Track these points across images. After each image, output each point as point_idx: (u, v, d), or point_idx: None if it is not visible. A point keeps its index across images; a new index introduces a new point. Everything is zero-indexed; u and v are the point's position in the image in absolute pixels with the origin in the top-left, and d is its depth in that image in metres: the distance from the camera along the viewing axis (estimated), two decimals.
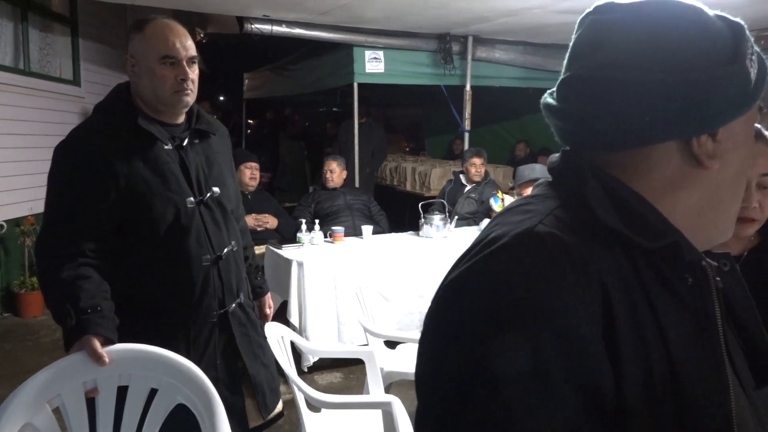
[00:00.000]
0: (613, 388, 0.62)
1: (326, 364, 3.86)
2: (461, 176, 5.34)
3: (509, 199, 4.83)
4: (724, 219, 0.76)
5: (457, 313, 0.66)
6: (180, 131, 1.80)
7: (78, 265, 1.62)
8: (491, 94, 6.81)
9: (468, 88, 6.02)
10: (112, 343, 1.57)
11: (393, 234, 4.76)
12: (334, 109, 11.43)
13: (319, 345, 3.58)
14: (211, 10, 5.38)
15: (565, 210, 0.71)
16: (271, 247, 4.10)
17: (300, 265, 3.74)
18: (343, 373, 3.88)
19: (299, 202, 4.95)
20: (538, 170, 4.47)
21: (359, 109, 5.85)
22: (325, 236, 4.25)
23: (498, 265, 0.65)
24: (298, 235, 4.15)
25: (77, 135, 1.70)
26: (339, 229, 4.29)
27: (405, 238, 4.57)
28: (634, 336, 0.64)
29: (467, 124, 6.17)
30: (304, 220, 4.25)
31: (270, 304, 2.28)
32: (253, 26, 5.09)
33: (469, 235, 4.60)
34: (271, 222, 4.45)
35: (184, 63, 1.71)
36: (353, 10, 4.74)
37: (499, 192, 4.99)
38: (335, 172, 4.79)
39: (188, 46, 1.73)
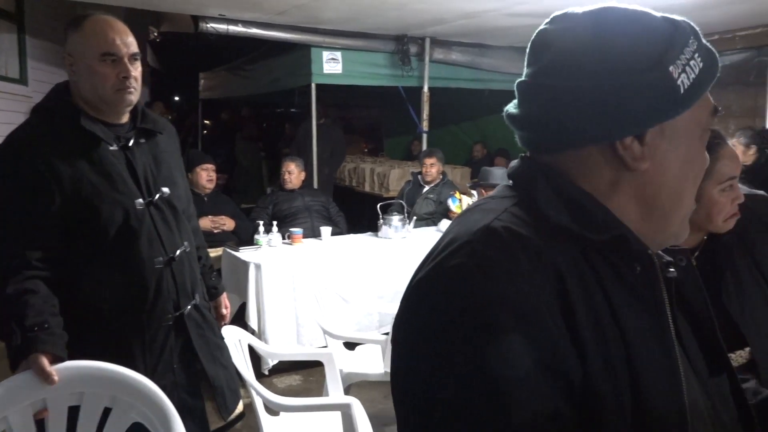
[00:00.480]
0: (580, 372, 0.65)
1: (285, 367, 3.83)
2: (419, 177, 5.37)
3: (467, 200, 4.88)
4: (672, 221, 0.78)
5: (426, 314, 0.69)
6: (125, 131, 1.76)
7: (24, 278, 1.55)
8: (449, 95, 6.87)
9: (425, 89, 6.06)
10: (62, 360, 1.51)
11: (352, 235, 4.75)
12: (291, 109, 11.35)
13: (278, 348, 3.55)
14: (166, 8, 5.27)
15: (519, 207, 0.75)
16: (229, 250, 4.04)
17: (258, 267, 3.70)
18: (303, 375, 3.85)
19: (257, 203, 4.90)
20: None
21: (317, 109, 5.82)
22: (284, 238, 4.22)
23: (458, 261, 0.69)
24: (256, 237, 4.11)
25: (15, 139, 1.63)
26: (297, 230, 4.26)
27: (364, 239, 4.57)
28: (591, 321, 0.67)
29: (425, 125, 6.21)
30: (261, 222, 4.21)
31: (226, 305, 2.25)
32: (208, 25, 5.01)
33: (428, 235, 4.63)
34: (228, 224, 4.39)
35: (126, 60, 1.66)
36: (310, 11, 4.72)
37: (457, 193, 5.04)
38: (293, 174, 4.76)
39: (129, 43, 1.68)
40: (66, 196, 1.59)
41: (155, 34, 8.70)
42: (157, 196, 1.75)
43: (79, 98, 1.69)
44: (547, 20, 0.80)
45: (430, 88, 6.10)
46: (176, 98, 12.82)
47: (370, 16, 4.94)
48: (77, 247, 1.65)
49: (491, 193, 0.82)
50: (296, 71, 5.87)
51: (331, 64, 5.57)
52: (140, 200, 1.70)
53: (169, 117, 9.04)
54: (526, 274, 0.66)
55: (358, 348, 3.28)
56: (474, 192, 4.88)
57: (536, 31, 0.81)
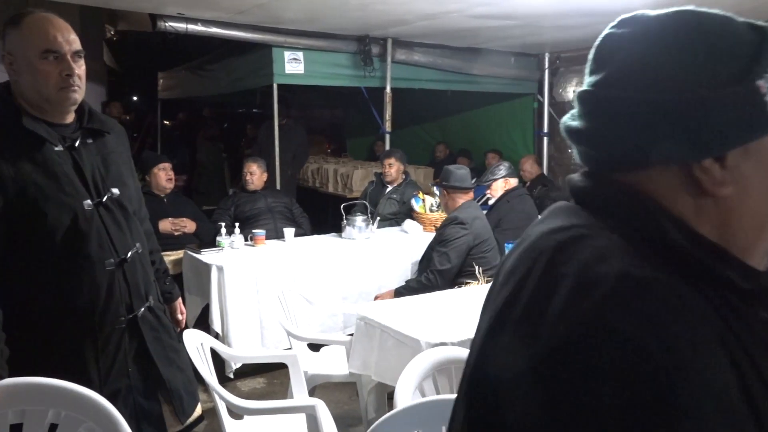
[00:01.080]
0: None
1: (249, 370, 3.79)
2: (382, 177, 5.38)
3: (430, 200, 4.91)
4: (752, 255, 0.68)
5: (600, 384, 0.55)
6: (70, 131, 1.71)
7: None
8: (411, 96, 6.90)
9: (388, 89, 6.08)
10: (1, 378, 1.47)
11: (315, 236, 4.74)
12: (253, 110, 11.24)
13: (241, 351, 3.51)
14: (122, 6, 5.16)
15: (627, 241, 0.64)
16: (190, 252, 3.98)
17: (220, 269, 3.66)
18: (267, 378, 3.82)
19: (218, 205, 4.84)
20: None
21: (279, 110, 5.78)
22: (246, 239, 4.18)
23: (623, 323, 0.56)
24: (218, 238, 4.06)
25: None
26: (260, 232, 4.22)
27: (327, 239, 4.56)
28: (758, 391, 0.57)
29: (388, 126, 6.22)
30: (223, 224, 4.16)
31: (182, 310, 2.21)
32: (167, 24, 4.92)
33: (392, 236, 4.65)
34: (189, 226, 4.32)
35: (69, 57, 1.61)
36: (271, 10, 4.68)
37: (420, 193, 5.07)
38: (255, 174, 4.72)
39: (71, 40, 1.63)
40: (8, 199, 1.54)
41: (112, 32, 8.51)
42: (107, 196, 1.71)
43: (21, 98, 1.64)
44: (614, 23, 0.73)
45: (392, 89, 6.12)
46: (134, 98, 12.56)
47: (331, 17, 4.93)
48: (21, 252, 1.60)
49: (556, 214, 0.72)
50: (258, 71, 5.82)
51: (293, 65, 5.53)
52: (88, 201, 1.66)
53: (127, 117, 8.86)
54: (706, 342, 0.56)
55: (322, 349, 3.27)
56: (437, 191, 4.92)
57: (602, 35, 0.74)
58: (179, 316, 2.18)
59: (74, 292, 1.64)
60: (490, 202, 4.59)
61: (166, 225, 4.15)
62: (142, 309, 1.79)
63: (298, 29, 5.44)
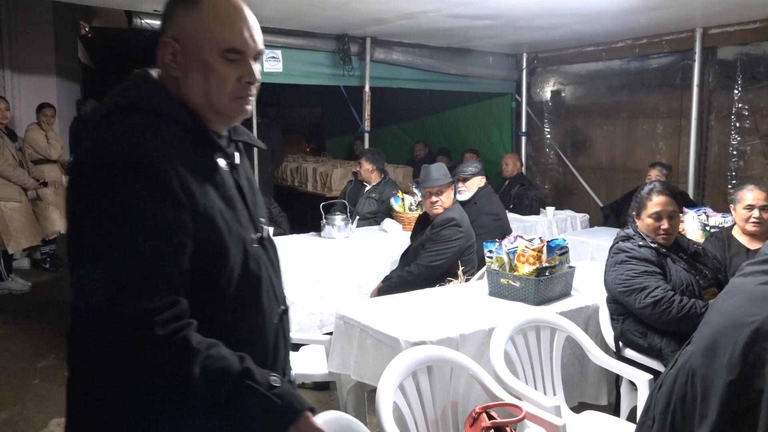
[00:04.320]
0: None
1: None
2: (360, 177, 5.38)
3: (409, 199, 4.92)
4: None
5: None
6: (225, 146, 1.31)
7: (194, 327, 1.11)
8: (390, 95, 6.90)
9: (367, 88, 6.08)
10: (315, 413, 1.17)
11: (295, 235, 4.72)
12: None
13: None
14: (97, 3, 5.08)
15: None
16: None
17: None
18: None
19: None
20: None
21: (258, 109, 5.74)
22: None
23: None
24: None
25: (136, 142, 1.11)
26: None
27: (307, 239, 4.54)
28: None
29: (367, 125, 6.22)
30: None
31: None
32: (143, 21, 4.86)
33: (371, 235, 4.65)
34: None
35: (251, 60, 1.25)
36: (249, 7, 4.65)
37: (399, 192, 5.07)
38: None
39: (258, 38, 1.27)
40: (198, 229, 1.14)
41: (86, 29, 8.39)
42: (264, 231, 1.34)
43: (182, 99, 1.24)
44: None
45: (371, 88, 6.12)
46: None
47: (309, 15, 4.91)
48: (200, 303, 1.15)
49: None
50: None
51: (271, 63, 5.50)
52: (254, 235, 1.28)
53: None
54: None
55: (301, 349, 3.26)
56: (417, 191, 4.93)
57: None
58: None
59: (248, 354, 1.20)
60: (463, 198, 4.56)
61: None
62: (293, 373, 1.47)
63: (276, 27, 5.41)
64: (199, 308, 1.13)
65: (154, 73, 1.26)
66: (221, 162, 1.24)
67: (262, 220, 1.35)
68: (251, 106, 1.31)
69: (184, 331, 1.06)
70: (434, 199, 3.75)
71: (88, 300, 1.04)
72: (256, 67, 1.26)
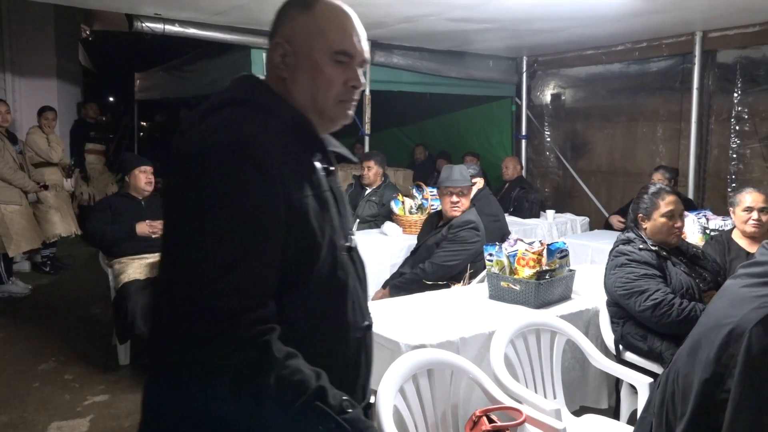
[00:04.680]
0: None
1: None
2: (361, 180, 5.38)
3: (409, 202, 4.92)
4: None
5: None
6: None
7: (277, 332, 1.07)
8: (390, 98, 6.91)
9: (367, 92, 6.08)
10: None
11: None
12: None
13: None
14: (98, 6, 5.10)
15: None
16: None
17: None
18: None
19: None
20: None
21: None
22: None
23: None
24: None
25: (240, 129, 1.12)
26: None
27: None
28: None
29: (367, 128, 6.23)
30: None
31: None
32: (143, 25, 4.87)
33: (371, 238, 4.65)
34: None
35: (356, 66, 1.28)
36: (250, 12, 4.66)
37: (400, 195, 5.07)
38: None
39: (366, 47, 1.31)
40: (291, 229, 1.11)
41: (87, 32, 8.41)
42: (353, 240, 1.31)
43: (289, 100, 1.25)
44: None
45: (371, 91, 6.12)
46: (110, 99, 12.41)
47: None
48: (279, 302, 1.12)
49: None
50: (236, 72, 5.62)
51: None
52: (344, 243, 1.25)
53: (103, 118, 8.75)
54: None
55: None
56: (417, 195, 4.93)
57: None
58: None
59: (327, 369, 1.14)
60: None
61: (143, 227, 4.10)
62: (372, 398, 1.37)
63: None
64: (280, 311, 1.10)
65: (260, 77, 1.29)
66: (318, 165, 1.23)
67: (352, 230, 1.33)
68: (353, 112, 1.32)
69: (268, 335, 1.04)
70: (455, 199, 3.72)
71: (176, 288, 1.03)
72: (360, 73, 1.28)
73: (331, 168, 1.28)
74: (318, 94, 1.23)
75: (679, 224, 2.74)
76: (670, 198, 2.75)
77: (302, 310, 1.15)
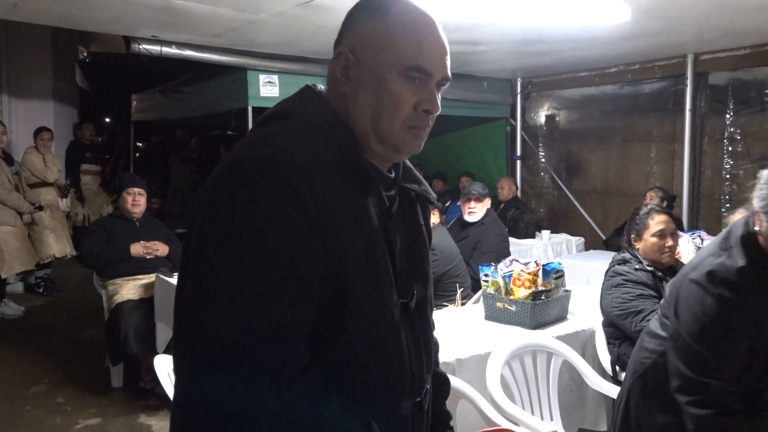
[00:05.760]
0: None
1: None
2: None
3: None
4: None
5: None
6: (386, 187, 1.08)
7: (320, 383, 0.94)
8: None
9: None
10: None
11: None
12: (228, 132, 11.20)
13: None
14: (96, 28, 5.13)
15: None
16: (162, 276, 3.92)
17: None
18: None
19: None
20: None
21: None
22: None
23: None
24: None
25: (276, 145, 0.96)
26: None
27: None
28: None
29: None
30: None
31: None
32: (141, 46, 4.91)
33: None
34: (161, 249, 4.26)
35: (433, 85, 1.06)
36: (246, 34, 4.70)
37: None
38: None
39: (448, 63, 1.09)
40: (324, 266, 0.93)
41: (84, 54, 8.46)
42: (413, 297, 1.09)
43: (346, 120, 1.05)
44: None
45: None
46: (107, 120, 12.44)
47: (305, 41, 4.96)
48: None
49: None
50: (232, 94, 5.82)
51: (267, 87, 5.54)
52: (395, 299, 1.04)
53: (99, 139, 8.76)
54: None
55: None
56: None
57: None
58: None
59: None
60: (473, 219, 4.50)
61: (137, 248, 4.09)
62: None
63: (273, 52, 5.46)
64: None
65: (322, 87, 1.12)
66: (371, 202, 1.02)
67: (418, 286, 1.11)
68: (423, 142, 1.07)
69: (315, 389, 0.91)
70: (472, 205, 4.30)
71: (198, 328, 0.88)
72: (438, 96, 1.06)
73: (392, 210, 1.07)
74: (381, 116, 1.01)
75: (670, 243, 2.74)
76: (660, 218, 2.76)
77: (332, 377, 0.95)
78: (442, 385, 1.29)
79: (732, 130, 5.54)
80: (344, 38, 1.06)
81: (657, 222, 2.75)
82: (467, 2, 3.83)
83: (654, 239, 2.74)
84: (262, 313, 0.87)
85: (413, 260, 1.12)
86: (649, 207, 2.87)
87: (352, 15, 1.07)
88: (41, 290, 6.19)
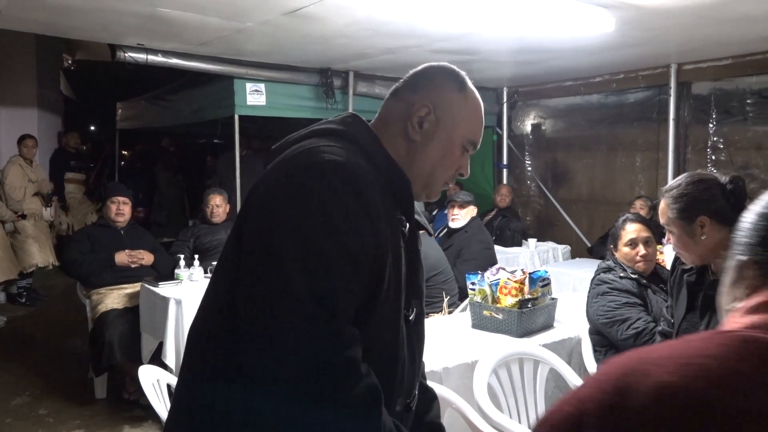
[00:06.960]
0: None
1: None
2: None
3: None
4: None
5: None
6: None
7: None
8: None
9: None
10: None
11: None
12: (214, 140, 11.16)
13: None
14: (81, 36, 5.10)
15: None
16: (147, 285, 3.89)
17: (178, 303, 3.57)
18: None
19: (178, 236, 4.75)
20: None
21: (241, 141, 5.75)
22: (206, 272, 4.10)
23: None
24: (176, 271, 3.98)
25: (344, 156, 1.07)
26: None
27: None
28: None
29: None
30: (182, 256, 4.08)
31: None
32: (126, 55, 4.88)
33: None
34: (146, 258, 4.23)
35: (469, 155, 1.29)
36: (233, 42, 4.69)
37: None
38: (221, 207, 4.66)
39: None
40: (372, 273, 1.06)
41: (69, 62, 8.40)
42: (413, 311, 1.23)
43: (396, 157, 1.19)
44: None
45: None
46: (92, 128, 12.35)
47: (292, 50, 4.96)
48: None
49: None
50: (219, 102, 5.80)
51: (254, 96, 5.53)
52: (404, 310, 1.18)
53: (84, 147, 8.69)
54: None
55: None
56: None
57: None
58: None
59: None
60: (456, 225, 4.53)
61: (122, 257, 4.05)
62: None
63: (259, 61, 5.46)
64: None
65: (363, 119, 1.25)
66: (402, 228, 1.19)
67: (416, 302, 1.25)
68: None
69: (377, 392, 1.02)
70: (456, 211, 4.40)
71: (273, 327, 0.96)
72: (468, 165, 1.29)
73: (408, 233, 1.21)
74: (438, 169, 1.23)
75: (642, 252, 2.74)
76: (632, 227, 2.77)
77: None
78: (432, 401, 1.45)
79: (715, 139, 5.60)
80: (424, 92, 1.23)
81: (628, 231, 2.77)
82: (455, 12, 3.85)
83: (627, 248, 2.76)
84: (346, 316, 1.00)
85: (413, 278, 1.24)
86: (624, 216, 2.89)
87: (434, 76, 1.26)
88: (24, 300, 6.11)
